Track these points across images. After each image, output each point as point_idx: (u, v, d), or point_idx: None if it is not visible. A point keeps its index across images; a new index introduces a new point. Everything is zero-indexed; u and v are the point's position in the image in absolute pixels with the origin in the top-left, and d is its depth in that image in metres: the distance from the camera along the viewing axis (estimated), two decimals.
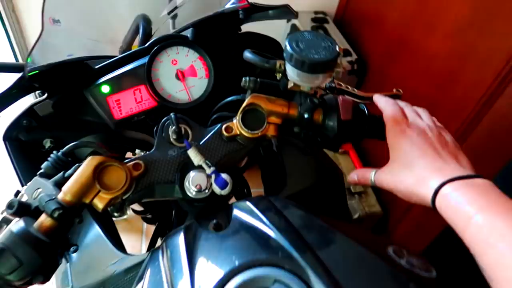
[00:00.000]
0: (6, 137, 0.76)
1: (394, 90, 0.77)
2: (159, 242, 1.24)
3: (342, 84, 0.71)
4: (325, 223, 0.53)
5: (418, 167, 0.52)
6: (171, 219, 1.08)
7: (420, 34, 1.58)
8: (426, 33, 1.53)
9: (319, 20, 2.14)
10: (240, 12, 0.74)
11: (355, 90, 0.74)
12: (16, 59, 2.05)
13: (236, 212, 0.56)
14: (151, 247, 1.15)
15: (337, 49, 0.54)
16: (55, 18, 0.61)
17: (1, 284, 0.49)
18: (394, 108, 0.60)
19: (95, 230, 0.71)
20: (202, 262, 0.49)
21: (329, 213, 0.75)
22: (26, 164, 0.79)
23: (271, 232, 0.50)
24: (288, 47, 0.54)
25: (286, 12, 0.71)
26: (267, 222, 0.51)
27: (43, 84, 0.69)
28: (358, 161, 1.97)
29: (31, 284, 0.52)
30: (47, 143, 0.80)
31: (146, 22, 0.96)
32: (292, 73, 0.56)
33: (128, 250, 1.62)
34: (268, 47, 0.87)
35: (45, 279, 0.52)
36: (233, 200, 0.65)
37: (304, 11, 2.18)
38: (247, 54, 0.64)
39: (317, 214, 0.57)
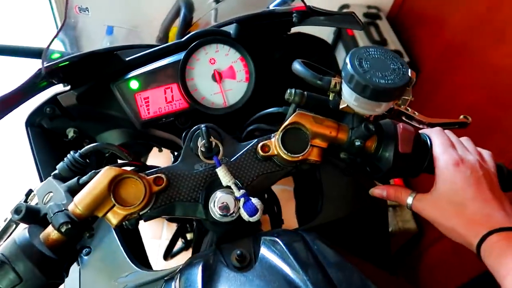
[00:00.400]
0: (28, 123, 0.72)
1: (461, 117, 0.66)
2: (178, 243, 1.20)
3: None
4: (360, 272, 0.46)
5: (469, 210, 0.50)
6: (193, 222, 1.02)
7: (486, 43, 1.42)
8: (493, 42, 1.37)
9: (371, 16, 1.99)
10: (294, 15, 0.65)
11: (416, 113, 0.64)
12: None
13: (263, 251, 0.49)
14: (170, 250, 1.11)
15: (409, 73, 0.45)
16: (82, 6, 0.55)
17: None
18: (444, 138, 0.56)
19: (112, 235, 0.66)
20: None
21: (367, 251, 0.66)
22: (47, 154, 0.75)
23: (299, 279, 0.44)
24: (349, 66, 0.45)
25: (350, 21, 0.61)
26: (297, 268, 0.45)
27: (67, 76, 0.63)
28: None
29: None
30: (71, 133, 0.75)
31: (188, 7, 0.89)
32: (349, 96, 0.47)
33: (149, 236, 1.61)
34: (317, 50, 0.77)
35: None
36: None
37: (356, 4, 2.04)
38: (297, 66, 0.55)
39: (353, 259, 0.50)
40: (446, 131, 0.58)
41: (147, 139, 0.77)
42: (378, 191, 0.61)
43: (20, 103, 0.58)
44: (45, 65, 0.53)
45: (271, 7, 0.67)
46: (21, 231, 0.48)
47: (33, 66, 0.57)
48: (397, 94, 0.45)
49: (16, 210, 0.49)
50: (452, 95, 1.60)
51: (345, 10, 2.01)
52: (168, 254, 1.13)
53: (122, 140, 0.78)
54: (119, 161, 0.81)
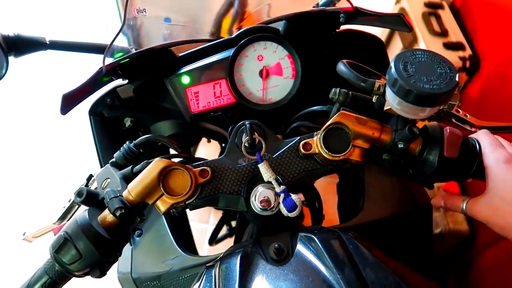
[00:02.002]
0: (91, 112, 0.79)
1: None
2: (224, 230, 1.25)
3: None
4: (396, 275, 0.46)
5: None
6: (236, 211, 1.06)
7: None
8: None
9: (433, 5, 1.89)
10: (342, 15, 0.64)
11: (467, 115, 0.62)
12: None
13: (300, 247, 0.50)
14: (215, 235, 1.16)
15: (457, 78, 0.43)
16: (140, 8, 0.59)
17: (62, 271, 0.50)
18: (492, 138, 0.54)
19: (161, 220, 0.71)
20: None
21: (407, 253, 0.66)
22: (106, 140, 0.81)
23: (332, 278, 0.45)
24: (393, 70, 0.44)
25: (398, 22, 0.59)
26: (332, 266, 0.46)
27: (126, 71, 0.68)
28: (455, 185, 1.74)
29: (88, 275, 0.52)
30: (128, 122, 0.81)
31: (241, 1, 0.90)
32: (392, 100, 0.47)
33: (196, 220, 1.68)
34: (368, 47, 0.76)
35: (102, 273, 0.52)
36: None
37: None
38: (341, 68, 0.55)
39: (389, 261, 0.50)
40: (494, 135, 0.56)
41: (196, 131, 0.81)
42: (437, 202, 0.61)
43: (84, 98, 0.63)
44: (106, 64, 0.58)
45: (320, 4, 0.67)
46: (82, 212, 0.53)
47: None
48: (442, 99, 0.44)
49: (79, 193, 0.54)
50: None
51: (403, 4, 1.93)
52: (213, 239, 1.18)
53: (174, 131, 0.82)
54: (170, 151, 0.86)
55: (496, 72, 1.63)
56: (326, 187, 0.89)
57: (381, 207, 0.68)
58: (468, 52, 1.72)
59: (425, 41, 1.75)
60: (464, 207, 0.55)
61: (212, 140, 0.99)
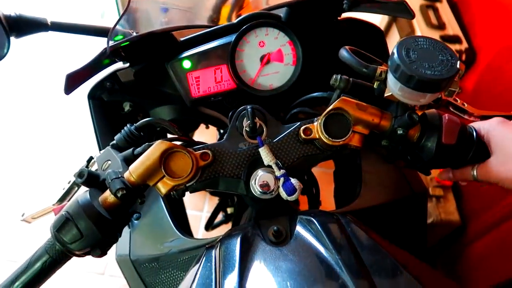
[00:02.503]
0: (90, 96, 0.78)
1: None
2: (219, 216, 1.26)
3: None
4: (393, 258, 0.47)
5: None
6: (233, 197, 1.07)
7: None
8: None
9: None
10: (345, 1, 0.65)
11: (465, 104, 0.63)
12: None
13: (299, 229, 0.51)
14: (211, 221, 1.17)
15: (458, 65, 0.44)
16: None
17: (63, 251, 0.50)
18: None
19: (160, 204, 0.72)
20: (254, 276, 0.46)
21: (402, 240, 0.67)
22: (105, 124, 0.81)
23: (331, 259, 0.46)
24: (396, 56, 0.45)
25: (401, 9, 0.60)
26: (331, 247, 0.47)
27: (128, 54, 0.68)
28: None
29: (89, 254, 0.53)
30: (127, 106, 0.81)
31: None
32: (394, 86, 0.47)
33: (191, 207, 1.70)
34: (368, 35, 0.76)
35: (102, 253, 0.53)
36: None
37: None
38: (344, 53, 0.55)
39: (386, 244, 0.51)
40: None
41: (195, 116, 0.81)
42: (444, 175, 0.62)
43: (86, 79, 0.63)
44: (110, 45, 0.58)
45: None
46: (83, 193, 0.53)
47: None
48: (443, 86, 0.44)
49: (80, 174, 0.54)
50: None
51: None
52: (210, 225, 1.19)
53: (173, 116, 0.82)
54: (169, 135, 0.86)
55: (492, 66, 1.65)
56: (322, 177, 0.90)
57: (377, 193, 0.69)
58: (464, 45, 1.73)
59: (422, 34, 1.75)
60: (475, 173, 0.56)
61: (210, 127, 0.99)
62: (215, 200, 1.82)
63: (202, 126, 1.06)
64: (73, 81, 0.58)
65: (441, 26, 1.79)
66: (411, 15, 0.59)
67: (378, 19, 1.93)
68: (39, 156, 2.06)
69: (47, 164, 2.00)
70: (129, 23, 0.62)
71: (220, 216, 1.23)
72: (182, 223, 0.87)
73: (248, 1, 0.90)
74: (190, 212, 1.80)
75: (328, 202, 0.90)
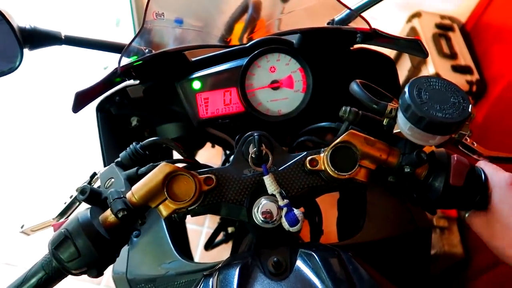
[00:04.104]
0: (98, 108, 0.79)
1: None
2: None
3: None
4: None
5: None
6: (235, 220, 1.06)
7: None
8: None
9: (443, 27, 1.90)
10: (358, 35, 0.65)
11: (475, 143, 0.62)
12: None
13: (299, 263, 0.50)
14: (212, 241, 1.16)
15: (470, 109, 0.43)
16: (158, 12, 0.59)
17: (60, 268, 0.49)
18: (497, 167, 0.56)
19: (160, 223, 0.71)
20: None
21: (405, 275, 0.66)
22: (111, 138, 0.82)
23: None
24: (407, 95, 0.44)
25: (415, 47, 0.60)
26: (330, 285, 0.46)
27: (139, 72, 0.68)
28: None
29: (85, 274, 0.52)
30: (134, 121, 0.81)
31: (255, 7, 0.91)
32: (403, 125, 0.47)
33: (192, 222, 1.68)
34: (379, 66, 0.76)
35: (98, 273, 0.52)
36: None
37: (429, 13, 1.95)
38: (354, 87, 0.55)
39: (386, 283, 0.50)
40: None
41: (202, 136, 0.81)
42: None
43: (96, 96, 0.64)
44: (121, 65, 0.58)
45: (336, 20, 0.67)
46: (84, 210, 0.53)
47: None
48: (453, 129, 0.44)
49: (82, 191, 0.54)
50: None
51: (414, 23, 1.93)
52: (210, 244, 1.18)
53: (179, 134, 0.82)
54: (174, 153, 0.86)
55: (503, 98, 1.64)
56: (325, 200, 0.89)
57: (381, 227, 0.68)
58: (475, 76, 1.73)
59: (434, 62, 1.75)
60: (466, 215, 0.56)
61: (215, 146, 0.99)
62: (217, 216, 1.81)
63: (208, 143, 1.06)
64: (81, 100, 0.59)
65: (453, 55, 1.79)
66: (425, 54, 0.59)
67: None
68: (43, 168, 2.07)
69: (50, 177, 2.01)
70: (142, 40, 0.62)
71: (220, 235, 1.22)
72: (181, 243, 0.86)
73: (262, 24, 0.90)
74: (191, 227, 1.79)
75: (329, 225, 0.89)
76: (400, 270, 0.66)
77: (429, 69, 1.75)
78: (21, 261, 1.70)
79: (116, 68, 0.60)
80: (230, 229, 1.24)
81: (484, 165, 0.56)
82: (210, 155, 1.77)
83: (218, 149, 1.37)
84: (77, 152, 2.08)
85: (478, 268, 1.58)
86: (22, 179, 2.02)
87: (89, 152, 1.75)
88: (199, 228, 1.83)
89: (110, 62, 2.32)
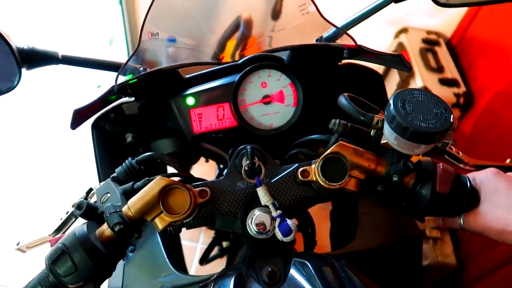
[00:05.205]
0: (94, 126, 0.80)
1: (508, 161, 0.66)
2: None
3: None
4: None
5: None
6: (229, 232, 1.06)
7: None
8: None
9: (430, 42, 1.95)
10: (345, 51, 0.67)
11: (460, 153, 0.64)
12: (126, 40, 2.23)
13: (293, 272, 0.51)
14: (206, 255, 1.16)
15: (451, 119, 0.46)
16: (153, 31, 0.61)
17: (57, 283, 0.50)
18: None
19: (156, 238, 0.72)
20: None
21: (397, 283, 0.67)
22: (106, 154, 0.83)
23: None
24: (392, 107, 0.47)
25: (398, 62, 0.63)
26: None
27: (134, 89, 0.70)
28: None
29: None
30: (129, 137, 0.83)
31: (246, 25, 0.93)
32: (389, 135, 0.49)
33: (187, 238, 1.69)
34: (367, 81, 0.79)
35: (95, 287, 0.53)
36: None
37: (416, 28, 2.01)
38: (342, 101, 0.57)
39: None
40: None
41: (196, 150, 0.83)
42: (437, 221, 0.63)
43: (94, 113, 0.65)
44: (118, 83, 0.60)
45: (324, 38, 0.70)
46: (80, 225, 0.54)
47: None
48: (437, 138, 0.46)
49: (78, 206, 0.55)
50: (508, 132, 1.53)
51: (402, 39, 1.98)
52: (204, 259, 1.18)
53: (174, 149, 0.84)
54: (168, 169, 0.87)
55: (489, 110, 1.68)
56: (319, 213, 0.91)
57: (373, 236, 0.69)
58: (462, 89, 1.77)
59: (422, 76, 1.80)
60: (462, 222, 0.57)
61: (209, 160, 1.01)
62: (211, 232, 1.80)
63: (202, 158, 1.08)
64: (79, 117, 0.60)
65: (440, 69, 1.84)
66: (408, 68, 0.61)
67: None
68: (37, 185, 2.06)
69: (44, 193, 2.00)
70: (138, 59, 0.64)
71: (215, 250, 1.23)
72: (176, 257, 0.87)
73: (253, 41, 0.93)
74: (185, 243, 1.79)
75: (323, 239, 0.90)
76: (392, 278, 0.68)
77: (417, 83, 1.79)
78: (12, 282, 1.67)
79: (112, 86, 0.62)
80: (224, 244, 1.25)
81: (472, 174, 0.58)
82: (204, 171, 1.78)
83: (212, 164, 1.38)
84: (72, 169, 2.07)
85: (471, 277, 1.60)
86: (15, 196, 2.00)
87: (84, 169, 1.74)
88: (194, 244, 1.82)
89: (103, 80, 2.35)
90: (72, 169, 2.07)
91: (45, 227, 0.67)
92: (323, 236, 0.90)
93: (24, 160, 2.18)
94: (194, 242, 1.83)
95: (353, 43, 0.64)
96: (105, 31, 2.60)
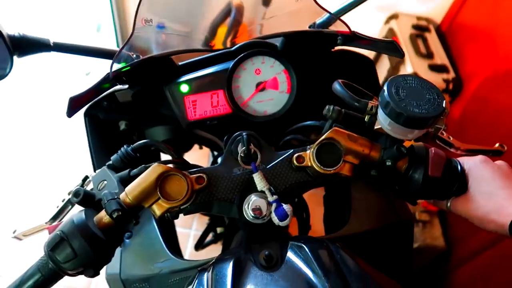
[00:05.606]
0: (86, 114, 0.80)
1: (497, 145, 0.67)
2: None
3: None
4: (380, 284, 0.49)
5: (498, 197, 0.54)
6: (224, 218, 1.08)
7: None
8: None
9: (420, 28, 1.96)
10: (339, 37, 0.68)
11: (451, 138, 0.65)
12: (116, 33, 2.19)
13: (290, 255, 0.52)
14: (201, 241, 1.18)
15: (444, 104, 0.47)
16: (147, 18, 0.61)
17: (56, 270, 0.50)
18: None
19: (152, 224, 0.72)
20: None
21: (390, 266, 0.69)
22: (100, 142, 0.82)
23: (320, 285, 0.47)
24: (386, 93, 0.48)
25: (391, 48, 0.63)
26: (320, 274, 0.48)
27: (128, 77, 0.70)
28: None
29: (81, 274, 0.53)
30: (122, 125, 0.82)
31: (238, 11, 0.93)
32: (383, 121, 0.50)
33: (179, 225, 1.70)
34: (360, 67, 0.80)
35: (95, 273, 0.53)
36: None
37: (406, 14, 2.01)
38: (337, 87, 0.58)
39: (373, 271, 0.53)
40: None
41: (190, 138, 0.83)
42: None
43: (89, 101, 0.65)
44: (113, 70, 0.60)
45: (317, 24, 0.70)
46: (78, 212, 0.54)
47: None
48: (430, 123, 0.47)
49: (75, 194, 0.55)
50: (496, 118, 1.56)
51: (392, 25, 1.99)
52: (200, 245, 1.20)
53: (168, 136, 0.84)
54: (162, 156, 0.87)
55: (478, 95, 1.70)
56: (311, 198, 0.92)
57: (366, 220, 0.71)
58: (451, 74, 1.79)
59: (412, 62, 1.81)
60: (449, 205, 0.60)
61: (203, 147, 1.01)
62: (204, 219, 1.82)
63: (196, 145, 1.08)
64: (75, 104, 0.60)
65: (429, 55, 1.85)
66: (401, 54, 0.62)
67: None
68: (32, 173, 2.04)
69: (39, 181, 1.98)
70: (130, 46, 0.64)
71: (209, 236, 1.24)
72: (172, 243, 0.87)
73: (245, 28, 0.93)
74: (179, 230, 1.79)
75: (317, 224, 0.92)
76: (384, 260, 0.69)
77: (407, 69, 1.80)
78: (5, 271, 1.67)
79: (108, 74, 0.61)
80: (219, 230, 1.26)
81: (462, 159, 0.60)
82: (197, 157, 1.78)
83: (205, 151, 1.39)
84: (65, 157, 2.05)
85: (459, 259, 1.64)
86: (10, 185, 1.99)
87: (77, 157, 1.73)
88: (187, 231, 1.84)
89: (92, 68, 2.32)
90: (65, 158, 2.06)
91: (41, 215, 0.67)
92: (316, 221, 0.92)
93: (17, 150, 2.15)
94: (188, 228, 1.84)
95: (346, 29, 0.65)
96: (92, 17, 2.56)
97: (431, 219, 1.73)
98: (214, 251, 1.28)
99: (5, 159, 2.11)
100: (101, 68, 0.70)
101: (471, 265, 1.57)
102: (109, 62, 0.64)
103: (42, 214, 0.67)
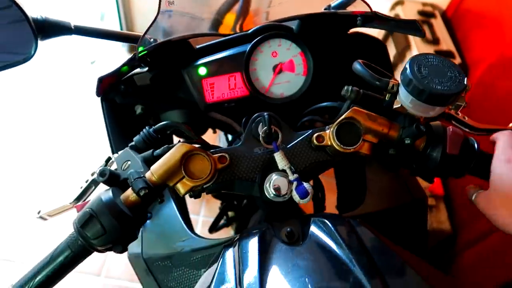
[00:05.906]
0: (103, 98, 0.80)
1: (511, 125, 0.68)
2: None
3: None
4: (402, 258, 0.51)
5: None
6: (237, 202, 1.09)
7: None
8: None
9: (426, 14, 1.96)
10: (359, 18, 0.68)
11: (466, 118, 0.67)
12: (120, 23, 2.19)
13: (313, 229, 0.54)
14: (216, 224, 1.20)
15: (465, 81, 0.48)
16: (170, 0, 0.62)
17: (86, 246, 0.52)
18: (507, 139, 0.57)
19: (171, 205, 0.74)
20: (274, 274, 0.49)
21: (404, 243, 0.70)
22: (117, 126, 0.84)
23: (345, 257, 0.48)
24: (408, 71, 0.49)
25: (412, 27, 0.64)
26: (344, 246, 0.50)
27: (147, 60, 0.71)
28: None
29: (110, 250, 0.55)
30: (138, 109, 0.83)
31: None
32: (405, 99, 0.51)
33: (188, 210, 1.72)
34: (372, 49, 0.80)
35: (123, 249, 0.55)
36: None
37: (412, 0, 2.01)
38: (357, 67, 0.59)
39: (395, 246, 0.54)
40: None
41: (206, 121, 0.84)
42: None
43: (116, 81, 0.65)
44: (139, 51, 0.61)
45: (332, 6, 0.71)
46: (105, 191, 0.55)
47: None
48: (451, 100, 0.48)
49: (101, 173, 0.56)
50: (502, 103, 1.57)
51: (398, 11, 1.98)
52: (214, 227, 1.22)
53: (183, 120, 0.85)
54: (175, 139, 0.88)
55: (484, 81, 1.71)
56: (324, 185, 0.94)
57: (381, 200, 0.72)
58: (457, 60, 1.79)
59: (418, 48, 1.81)
60: (473, 198, 0.59)
61: (217, 132, 1.02)
62: (212, 204, 1.84)
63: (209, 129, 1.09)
64: (104, 84, 0.61)
65: (435, 41, 1.85)
66: (422, 33, 0.63)
67: (375, 33, 2.00)
68: (51, 155, 2.05)
69: (59, 163, 1.99)
70: (155, 31, 0.65)
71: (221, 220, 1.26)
72: (188, 225, 0.89)
73: (251, 15, 0.93)
74: None
75: (329, 210, 0.93)
76: (400, 238, 0.71)
77: (413, 55, 1.81)
78: (19, 256, 1.70)
79: (134, 54, 0.62)
80: (230, 214, 1.28)
81: (499, 137, 0.58)
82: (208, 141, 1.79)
83: (212, 137, 1.40)
84: (87, 139, 2.05)
85: (465, 242, 1.67)
86: (30, 167, 1.99)
87: (98, 139, 1.71)
88: (195, 217, 1.86)
89: (97, 56, 2.32)
90: (86, 139, 2.06)
91: (64, 196, 0.69)
92: (328, 208, 0.93)
93: (31, 137, 2.16)
94: (196, 214, 1.87)
95: (363, 10, 0.65)
96: (96, 6, 2.55)
97: (437, 204, 1.75)
98: (225, 235, 1.30)
99: (19, 146, 2.12)
100: (106, 56, 0.71)
101: (476, 248, 1.59)
102: (115, 48, 0.65)
103: (65, 195, 0.69)
